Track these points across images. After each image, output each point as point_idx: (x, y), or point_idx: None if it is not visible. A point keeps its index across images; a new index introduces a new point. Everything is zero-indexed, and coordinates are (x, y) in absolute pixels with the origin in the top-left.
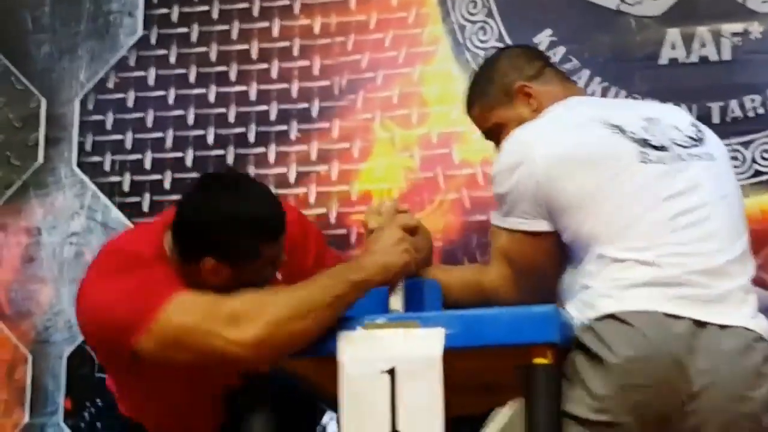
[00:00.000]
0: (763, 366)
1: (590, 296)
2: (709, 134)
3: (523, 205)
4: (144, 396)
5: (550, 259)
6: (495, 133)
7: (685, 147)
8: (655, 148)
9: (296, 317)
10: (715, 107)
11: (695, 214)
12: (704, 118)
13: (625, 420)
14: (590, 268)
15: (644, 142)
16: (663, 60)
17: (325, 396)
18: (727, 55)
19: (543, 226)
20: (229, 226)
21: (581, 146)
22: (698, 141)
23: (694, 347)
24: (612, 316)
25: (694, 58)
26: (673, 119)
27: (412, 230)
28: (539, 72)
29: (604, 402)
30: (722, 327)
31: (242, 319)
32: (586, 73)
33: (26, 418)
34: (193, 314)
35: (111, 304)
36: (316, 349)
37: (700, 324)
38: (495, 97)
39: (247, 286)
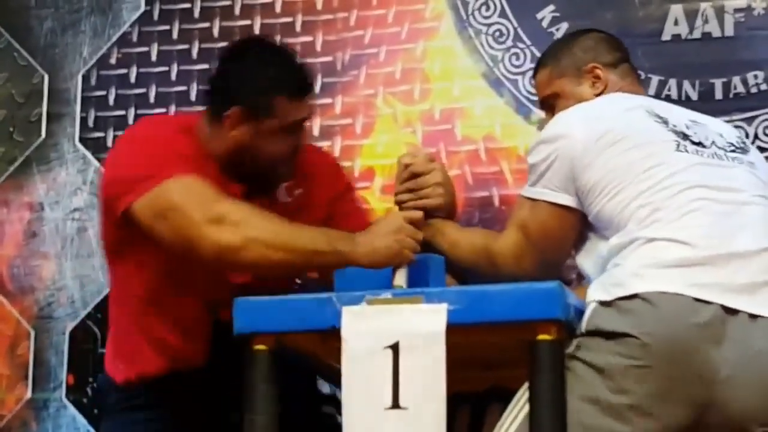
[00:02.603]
0: None
1: (619, 275)
2: (753, 149)
3: (553, 178)
4: (131, 287)
5: (565, 236)
6: (551, 103)
7: (725, 150)
8: (694, 143)
9: (271, 246)
10: (718, 83)
11: (731, 204)
12: (707, 94)
13: (645, 403)
14: (621, 247)
15: (684, 136)
16: (666, 36)
17: (328, 371)
18: (730, 32)
19: (568, 201)
20: (252, 74)
21: (622, 128)
22: (740, 150)
23: (721, 335)
24: (638, 296)
25: (697, 35)
26: (719, 128)
27: (417, 223)
28: (616, 63)
29: (623, 382)
30: (753, 317)
31: (225, 222)
32: None
33: (29, 394)
34: (187, 197)
35: (125, 162)
36: (320, 323)
37: (730, 311)
38: (566, 68)
39: (265, 160)
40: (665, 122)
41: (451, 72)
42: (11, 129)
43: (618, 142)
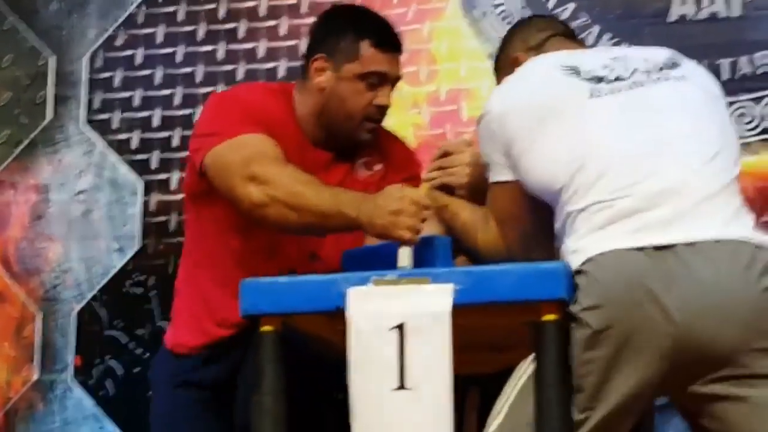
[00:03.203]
0: (762, 278)
1: (564, 255)
2: (689, 64)
3: (490, 156)
4: (206, 236)
5: (520, 209)
6: None
7: (648, 72)
8: (609, 81)
9: (289, 207)
10: (724, 64)
11: (651, 136)
12: (714, 74)
13: (609, 367)
14: (558, 225)
15: (598, 79)
16: (672, 16)
17: (334, 352)
18: (737, 12)
19: (507, 175)
20: (338, 24)
21: (529, 93)
22: (670, 67)
23: (664, 276)
24: (579, 272)
25: (703, 15)
26: (646, 54)
27: (425, 207)
28: (542, 42)
29: (585, 355)
30: (690, 244)
31: (257, 181)
32: (596, 29)
33: (36, 375)
34: (236, 155)
35: (205, 120)
36: (326, 304)
37: (665, 248)
38: (502, 68)
39: (346, 110)
40: (576, 72)
41: (458, 53)
42: (17, 111)
43: (530, 111)
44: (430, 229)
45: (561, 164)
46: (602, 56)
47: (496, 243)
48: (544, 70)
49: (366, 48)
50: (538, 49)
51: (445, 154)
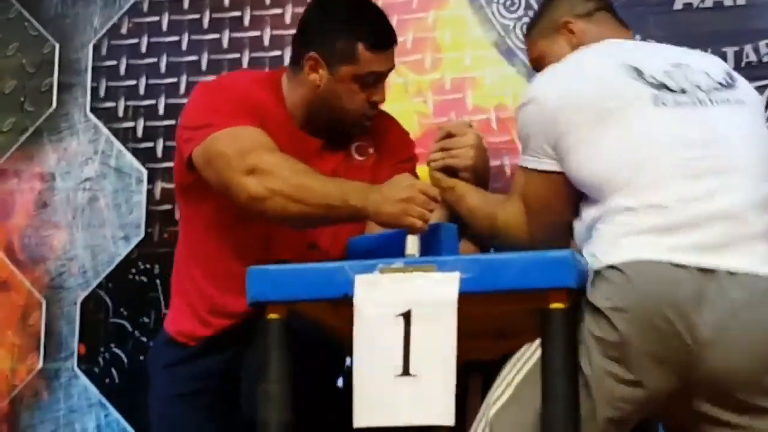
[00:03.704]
0: None
1: (596, 246)
2: (742, 82)
3: (534, 144)
4: (197, 229)
5: (561, 200)
6: (538, 65)
7: (708, 92)
8: (673, 92)
9: (290, 199)
10: (730, 52)
11: (711, 158)
12: None
13: (625, 373)
14: (598, 216)
15: (662, 86)
16: (677, 5)
17: (340, 339)
18: (742, 0)
19: (552, 165)
20: (334, 20)
21: (589, 90)
22: (728, 87)
23: (698, 297)
24: (614, 267)
25: (708, 3)
26: (705, 65)
27: (433, 198)
28: (590, 12)
29: (614, 351)
30: (731, 274)
31: (256, 173)
32: None
33: (40, 363)
34: (231, 147)
35: (193, 110)
36: (333, 292)
37: (707, 271)
38: (542, 29)
39: (340, 109)
40: (640, 74)
41: (462, 41)
42: (22, 99)
43: (589, 109)
44: (435, 214)
45: (621, 163)
46: (663, 59)
47: (518, 227)
48: (604, 66)
49: (363, 50)
50: (588, 17)
51: (448, 136)
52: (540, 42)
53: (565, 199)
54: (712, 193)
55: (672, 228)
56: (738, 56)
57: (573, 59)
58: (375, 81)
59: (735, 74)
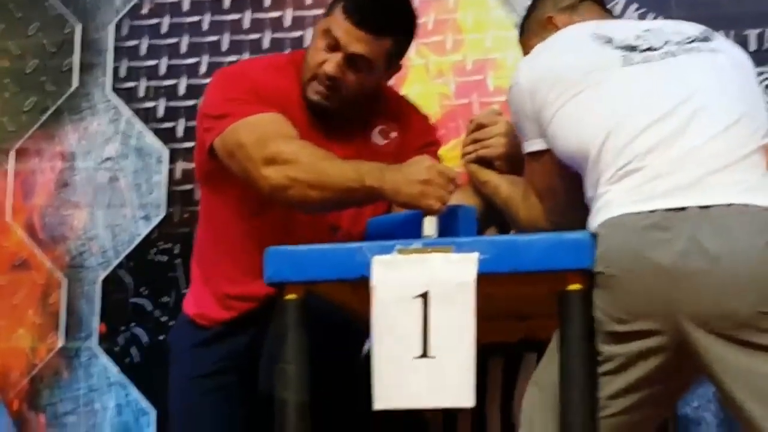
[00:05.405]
0: None
1: (590, 219)
2: (721, 39)
3: (523, 127)
4: (220, 215)
5: (560, 179)
6: None
7: (680, 44)
8: (643, 51)
9: (310, 186)
10: (752, 34)
11: (679, 103)
12: (741, 45)
13: (620, 326)
14: (589, 194)
15: (631, 48)
16: None
17: (358, 320)
18: None
19: (541, 144)
20: None
21: (560, 61)
22: (702, 40)
23: (671, 237)
24: (595, 234)
25: None
26: (679, 27)
27: (452, 179)
28: (574, 4)
29: (619, 313)
30: (704, 207)
31: (277, 163)
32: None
33: (61, 342)
34: (249, 137)
35: (211, 99)
36: (350, 272)
37: (678, 210)
38: (531, 28)
39: (305, 64)
40: (609, 41)
41: (484, 23)
42: (43, 78)
43: (562, 81)
44: (467, 200)
45: (592, 130)
46: (635, 27)
47: (539, 218)
48: (575, 38)
49: (338, 8)
50: (572, 9)
51: (479, 127)
52: (530, 41)
53: (562, 177)
54: (679, 135)
55: (647, 179)
56: (760, 38)
57: (549, 39)
58: (334, 47)
59: (716, 34)
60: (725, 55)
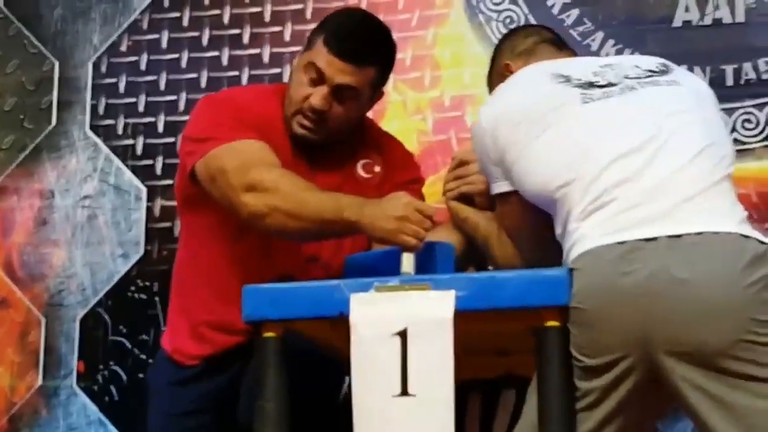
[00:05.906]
0: (748, 270)
1: (566, 258)
2: (679, 70)
3: (488, 169)
4: (200, 241)
5: (528, 219)
6: None
7: (639, 78)
8: (602, 87)
9: (289, 215)
10: (729, 70)
11: (640, 135)
12: (718, 80)
13: (617, 355)
14: (558, 231)
15: (590, 85)
16: (677, 22)
17: (337, 357)
18: (741, 18)
19: (505, 186)
20: (323, 22)
21: (519, 102)
22: (660, 73)
23: (640, 268)
24: (570, 270)
25: (708, 21)
26: (637, 60)
27: (429, 216)
28: (530, 48)
29: (592, 346)
30: (673, 237)
31: (257, 190)
32: (599, 35)
33: (39, 381)
34: (232, 162)
35: (196, 123)
36: (328, 310)
37: (647, 240)
38: (492, 78)
39: (288, 101)
40: (567, 79)
41: (462, 59)
42: (22, 116)
43: (522, 122)
44: (448, 237)
45: (555, 170)
46: (592, 64)
47: (512, 256)
48: (533, 78)
49: (319, 42)
50: (528, 54)
51: (461, 164)
52: (492, 88)
53: (530, 216)
54: (647, 168)
55: (618, 211)
56: (737, 74)
57: (508, 80)
58: (318, 80)
59: (673, 65)
60: (686, 87)
